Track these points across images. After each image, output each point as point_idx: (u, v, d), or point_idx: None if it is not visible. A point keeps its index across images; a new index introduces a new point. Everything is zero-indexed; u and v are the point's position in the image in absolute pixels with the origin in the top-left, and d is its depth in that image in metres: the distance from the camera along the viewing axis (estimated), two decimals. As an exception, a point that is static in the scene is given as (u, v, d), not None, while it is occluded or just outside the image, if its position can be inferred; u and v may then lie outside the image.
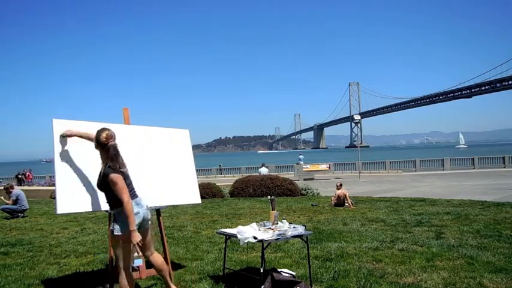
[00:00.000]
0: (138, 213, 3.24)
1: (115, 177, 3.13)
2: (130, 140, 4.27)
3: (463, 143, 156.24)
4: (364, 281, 4.02)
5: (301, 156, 28.25)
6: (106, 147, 3.20)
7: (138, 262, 3.47)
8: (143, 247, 3.29)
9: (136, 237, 3.08)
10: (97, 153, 3.37)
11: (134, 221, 3.10)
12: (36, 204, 13.84)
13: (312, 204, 10.96)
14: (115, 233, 3.18)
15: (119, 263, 3.27)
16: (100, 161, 3.38)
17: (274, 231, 3.85)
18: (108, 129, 3.28)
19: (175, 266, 4.82)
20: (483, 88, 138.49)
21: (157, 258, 3.55)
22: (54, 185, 3.98)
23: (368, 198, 12.15)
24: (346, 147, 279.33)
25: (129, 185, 3.31)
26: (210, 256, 5.30)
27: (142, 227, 3.31)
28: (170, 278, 3.70)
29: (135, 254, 3.27)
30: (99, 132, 3.25)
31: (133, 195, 3.29)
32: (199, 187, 4.86)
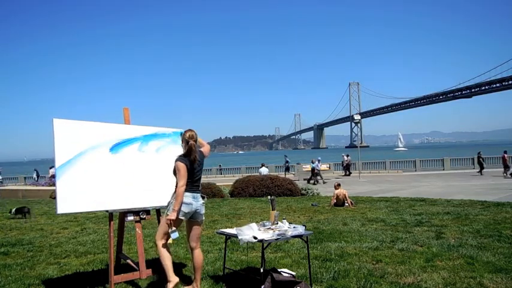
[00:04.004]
0: (191, 204, 3.74)
1: (179, 164, 3.71)
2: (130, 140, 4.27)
3: (402, 145, 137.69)
4: (364, 281, 4.03)
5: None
6: (188, 144, 3.78)
7: (175, 235, 3.66)
8: (191, 237, 3.87)
9: (172, 216, 3.60)
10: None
11: (179, 204, 3.64)
12: (36, 204, 13.84)
13: (312, 204, 10.96)
14: (167, 212, 3.70)
15: (157, 236, 3.78)
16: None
17: (274, 231, 3.85)
18: (192, 131, 3.86)
19: (176, 266, 4.82)
20: (483, 88, 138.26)
21: (198, 254, 3.88)
22: (54, 185, 4.00)
23: (368, 198, 12.14)
24: (346, 147, 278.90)
25: (195, 181, 3.81)
26: (210, 256, 5.30)
27: (194, 218, 3.83)
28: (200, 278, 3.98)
29: (173, 228, 3.65)
30: (185, 131, 3.87)
31: (194, 189, 3.81)
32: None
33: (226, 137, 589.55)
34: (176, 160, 3.75)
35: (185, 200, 3.71)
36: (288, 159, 27.96)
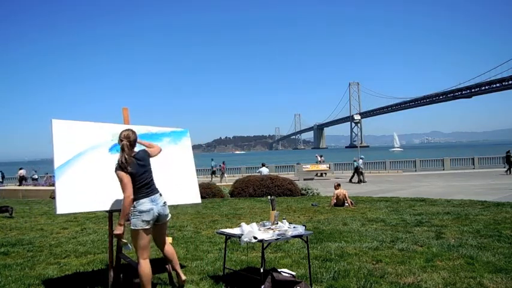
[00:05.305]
0: (151, 209, 3.48)
1: (119, 173, 3.43)
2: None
3: (398, 145, 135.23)
4: (364, 281, 4.02)
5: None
6: (120, 144, 3.53)
7: (128, 248, 3.57)
8: (158, 240, 3.74)
9: (119, 230, 3.40)
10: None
11: (125, 217, 3.41)
12: (36, 204, 13.84)
13: (312, 204, 10.96)
14: (131, 227, 3.48)
15: (137, 254, 3.51)
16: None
17: (274, 231, 3.85)
18: (129, 130, 3.61)
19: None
20: (483, 88, 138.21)
21: (168, 247, 3.83)
22: (54, 185, 3.99)
23: (368, 198, 12.14)
24: (346, 147, 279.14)
25: (146, 184, 3.54)
26: (210, 256, 5.30)
27: (159, 221, 3.61)
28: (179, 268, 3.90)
29: (123, 241, 3.52)
30: (121, 131, 3.61)
31: (150, 193, 3.54)
32: (199, 187, 4.85)
33: (226, 137, 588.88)
34: (115, 169, 3.46)
35: (143, 207, 3.43)
36: (213, 164, 28.36)
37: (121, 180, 3.42)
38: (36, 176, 27.83)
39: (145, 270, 3.46)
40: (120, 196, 3.96)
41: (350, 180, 20.68)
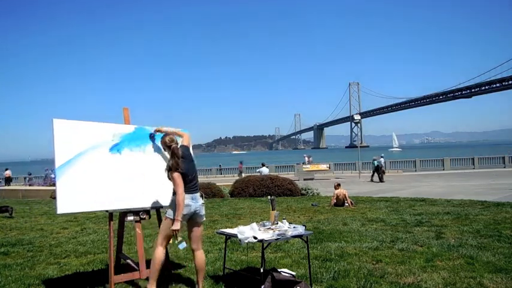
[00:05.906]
0: (189, 205, 3.70)
1: (173, 175, 3.66)
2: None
3: (397, 145, 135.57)
4: (364, 281, 4.03)
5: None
6: (170, 148, 3.78)
7: (183, 246, 3.64)
8: (192, 239, 3.85)
9: (176, 226, 3.56)
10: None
11: (181, 213, 3.59)
12: (36, 204, 13.85)
13: (312, 204, 10.96)
14: (166, 215, 3.71)
15: (159, 239, 3.76)
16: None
17: (274, 231, 3.85)
18: (170, 135, 3.96)
19: (175, 266, 4.82)
20: (483, 88, 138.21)
21: (200, 256, 3.88)
22: (54, 185, 4.00)
23: (368, 198, 12.15)
24: (346, 147, 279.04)
25: (191, 181, 3.77)
26: (210, 256, 5.30)
27: (193, 219, 3.80)
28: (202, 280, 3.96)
29: (179, 239, 3.61)
30: (164, 136, 3.95)
31: (192, 190, 3.77)
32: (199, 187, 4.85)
33: (226, 137, 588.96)
34: (168, 171, 3.70)
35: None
36: None
37: (174, 181, 3.65)
38: (52, 175, 27.95)
39: (160, 257, 3.68)
40: (120, 196, 3.98)
41: (371, 179, 20.60)
